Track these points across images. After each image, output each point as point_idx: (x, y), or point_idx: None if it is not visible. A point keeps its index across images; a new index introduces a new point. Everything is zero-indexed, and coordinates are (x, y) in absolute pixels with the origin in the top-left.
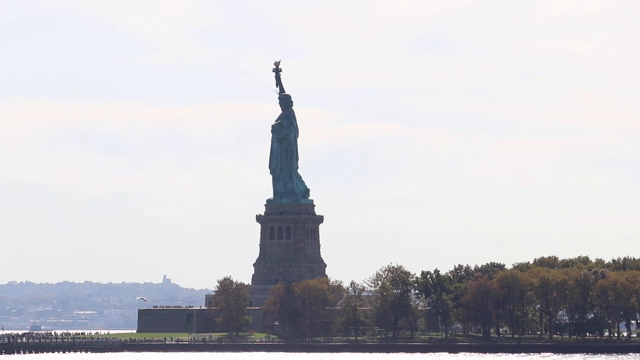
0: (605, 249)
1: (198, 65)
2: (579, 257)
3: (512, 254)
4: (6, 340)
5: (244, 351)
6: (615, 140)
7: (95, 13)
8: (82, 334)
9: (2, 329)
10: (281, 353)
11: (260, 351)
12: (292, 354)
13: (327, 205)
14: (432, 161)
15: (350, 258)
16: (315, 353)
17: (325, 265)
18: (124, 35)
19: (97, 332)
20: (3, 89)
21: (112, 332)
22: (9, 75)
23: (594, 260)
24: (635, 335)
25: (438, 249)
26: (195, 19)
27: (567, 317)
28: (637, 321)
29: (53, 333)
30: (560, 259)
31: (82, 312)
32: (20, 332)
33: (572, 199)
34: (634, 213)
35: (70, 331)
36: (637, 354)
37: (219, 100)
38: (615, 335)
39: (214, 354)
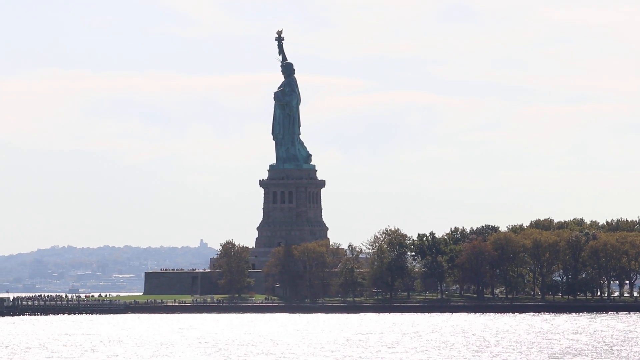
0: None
1: (232, 37)
2: (574, 219)
3: (526, 216)
4: (11, 303)
5: (243, 312)
6: (636, 108)
7: None
8: (91, 296)
9: (7, 292)
10: (278, 314)
11: (259, 312)
12: (289, 314)
13: (331, 170)
14: (446, 128)
15: (352, 221)
16: (313, 314)
17: (327, 229)
18: (162, 7)
19: (100, 295)
20: (45, 60)
21: (122, 294)
22: (51, 46)
23: (588, 222)
24: (627, 295)
25: (445, 211)
26: None
27: (559, 278)
28: (630, 281)
29: (64, 296)
30: (555, 221)
31: (120, 276)
32: (59, 294)
33: (591, 163)
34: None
35: (82, 294)
36: (626, 313)
37: (251, 70)
38: (606, 295)
39: (213, 315)
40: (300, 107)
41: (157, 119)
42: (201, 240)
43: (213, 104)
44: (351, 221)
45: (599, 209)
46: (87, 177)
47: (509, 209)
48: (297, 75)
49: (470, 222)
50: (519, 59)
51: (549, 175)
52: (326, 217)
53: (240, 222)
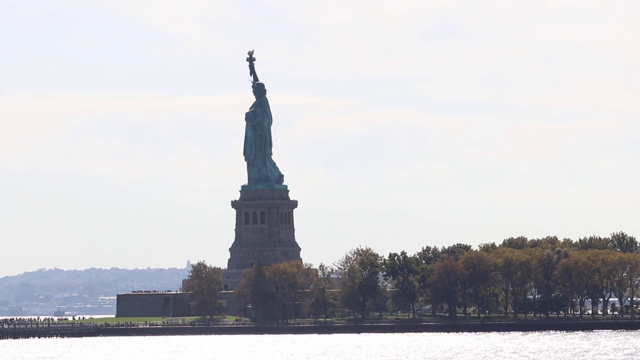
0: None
1: (217, 58)
2: (547, 237)
3: (504, 235)
4: None
5: (214, 334)
6: (624, 125)
7: (119, 8)
8: (64, 319)
9: None
10: (249, 335)
11: (230, 334)
12: (258, 335)
13: (306, 190)
14: (433, 146)
15: (326, 241)
16: (282, 335)
17: (300, 249)
18: (147, 29)
19: (77, 317)
20: (31, 82)
21: (95, 317)
22: (37, 68)
23: (562, 240)
24: (601, 313)
25: (418, 231)
26: (214, 13)
27: (532, 296)
28: (603, 299)
29: (37, 319)
30: (529, 239)
31: (106, 298)
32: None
33: (578, 181)
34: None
35: (54, 317)
36: (600, 331)
37: (238, 91)
38: (579, 313)
39: (183, 337)
40: (285, 127)
41: (143, 140)
42: (188, 261)
43: (199, 125)
44: (325, 241)
45: (579, 228)
46: (73, 199)
47: (490, 227)
48: (283, 95)
49: (446, 241)
50: (505, 76)
51: (537, 193)
52: (299, 238)
53: (224, 243)
